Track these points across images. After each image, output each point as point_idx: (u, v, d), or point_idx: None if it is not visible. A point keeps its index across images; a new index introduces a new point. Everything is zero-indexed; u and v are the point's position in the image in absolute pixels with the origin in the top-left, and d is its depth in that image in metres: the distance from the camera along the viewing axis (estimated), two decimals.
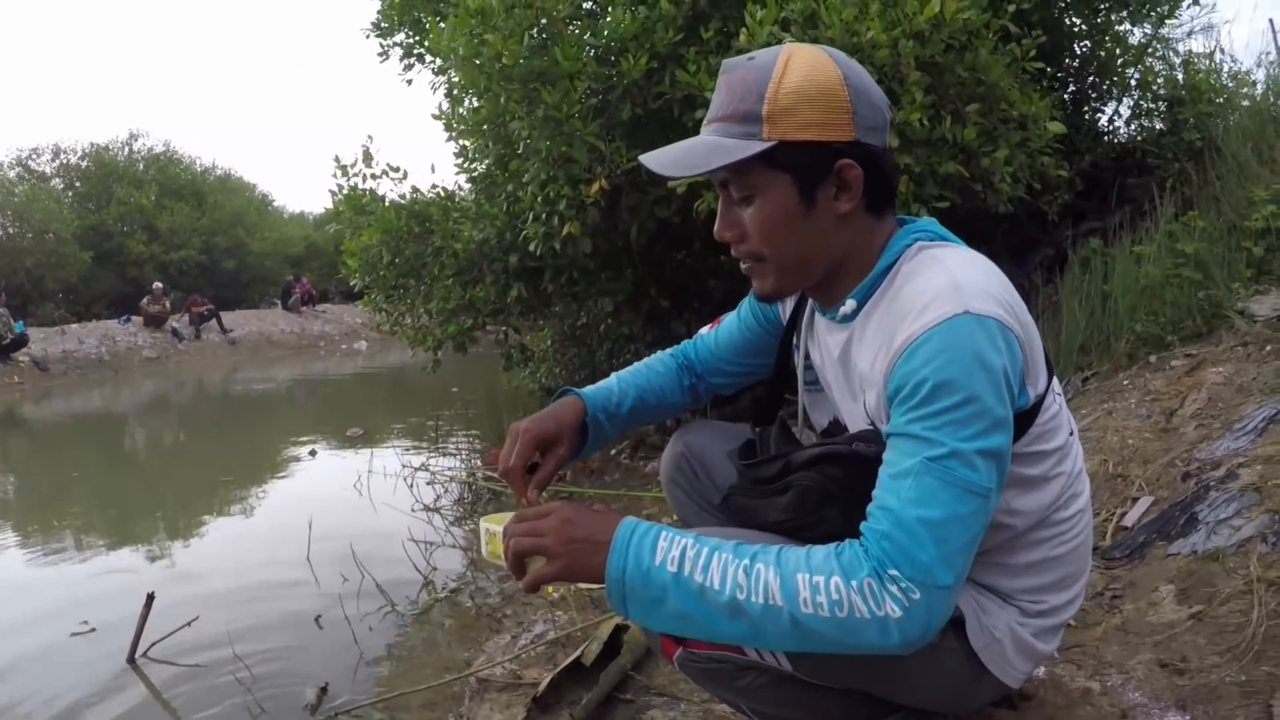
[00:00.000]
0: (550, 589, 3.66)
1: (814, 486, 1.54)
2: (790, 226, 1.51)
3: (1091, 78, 7.93)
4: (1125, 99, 8.16)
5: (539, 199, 5.52)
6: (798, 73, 1.45)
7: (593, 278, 6.58)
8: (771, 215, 1.51)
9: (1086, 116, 7.91)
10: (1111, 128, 8.24)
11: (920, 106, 4.58)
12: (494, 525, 1.61)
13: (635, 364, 2.13)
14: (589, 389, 2.01)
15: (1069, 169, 5.93)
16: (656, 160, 1.56)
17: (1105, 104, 8.18)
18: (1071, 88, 7.82)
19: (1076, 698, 2.09)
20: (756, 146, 1.45)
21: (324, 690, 3.42)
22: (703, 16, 5.29)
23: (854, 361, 1.60)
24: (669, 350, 2.15)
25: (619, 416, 2.00)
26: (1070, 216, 6.70)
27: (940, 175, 4.85)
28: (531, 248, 5.67)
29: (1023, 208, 5.66)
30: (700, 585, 1.35)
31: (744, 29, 4.64)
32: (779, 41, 4.61)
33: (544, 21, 5.47)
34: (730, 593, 1.33)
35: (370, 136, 7.05)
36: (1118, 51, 7.81)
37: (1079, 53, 7.81)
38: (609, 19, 5.39)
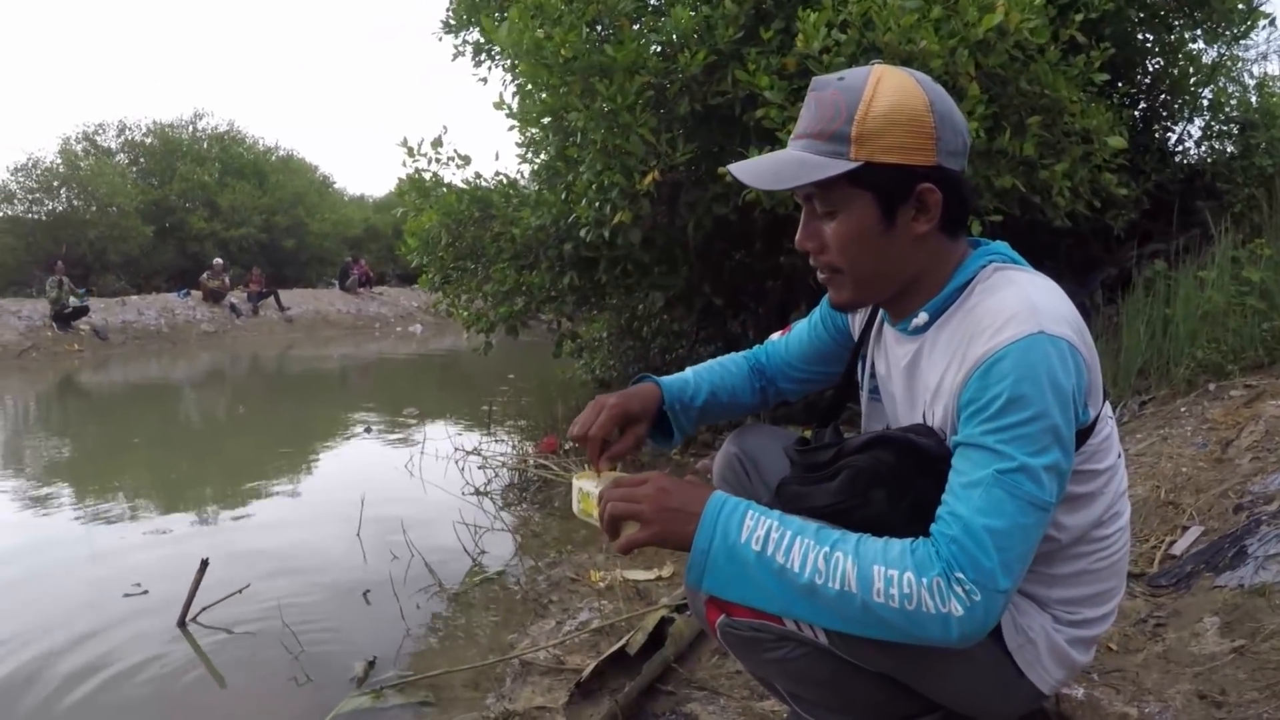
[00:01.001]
0: (596, 576, 3.73)
1: (864, 468, 1.59)
2: (869, 243, 1.57)
3: (1163, 95, 7.82)
4: (1196, 119, 8.05)
5: (593, 186, 5.57)
6: (886, 97, 1.50)
7: (645, 271, 6.61)
8: (852, 232, 1.57)
9: (1156, 135, 7.81)
10: (1181, 148, 8.12)
11: (980, 118, 4.57)
12: (587, 485, 1.72)
13: (709, 361, 2.19)
14: (665, 378, 2.08)
15: (1134, 187, 5.87)
16: (747, 172, 1.62)
17: (1175, 123, 8.07)
18: (1142, 105, 7.73)
19: None
20: (844, 165, 1.50)
21: (371, 664, 3.47)
22: (765, 16, 5.30)
23: (921, 372, 1.66)
24: (741, 353, 2.21)
25: (692, 409, 2.07)
26: (1135, 237, 6.64)
27: (996, 188, 4.83)
28: (583, 233, 5.72)
29: (1086, 225, 5.62)
30: (781, 566, 1.43)
31: (800, 33, 4.66)
32: (836, 45, 4.63)
33: (606, 19, 5.51)
34: (809, 577, 1.41)
35: (445, 127, 7.13)
36: (1190, 70, 7.70)
37: (1150, 70, 7.71)
38: (671, 15, 5.42)
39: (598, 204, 5.61)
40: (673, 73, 5.36)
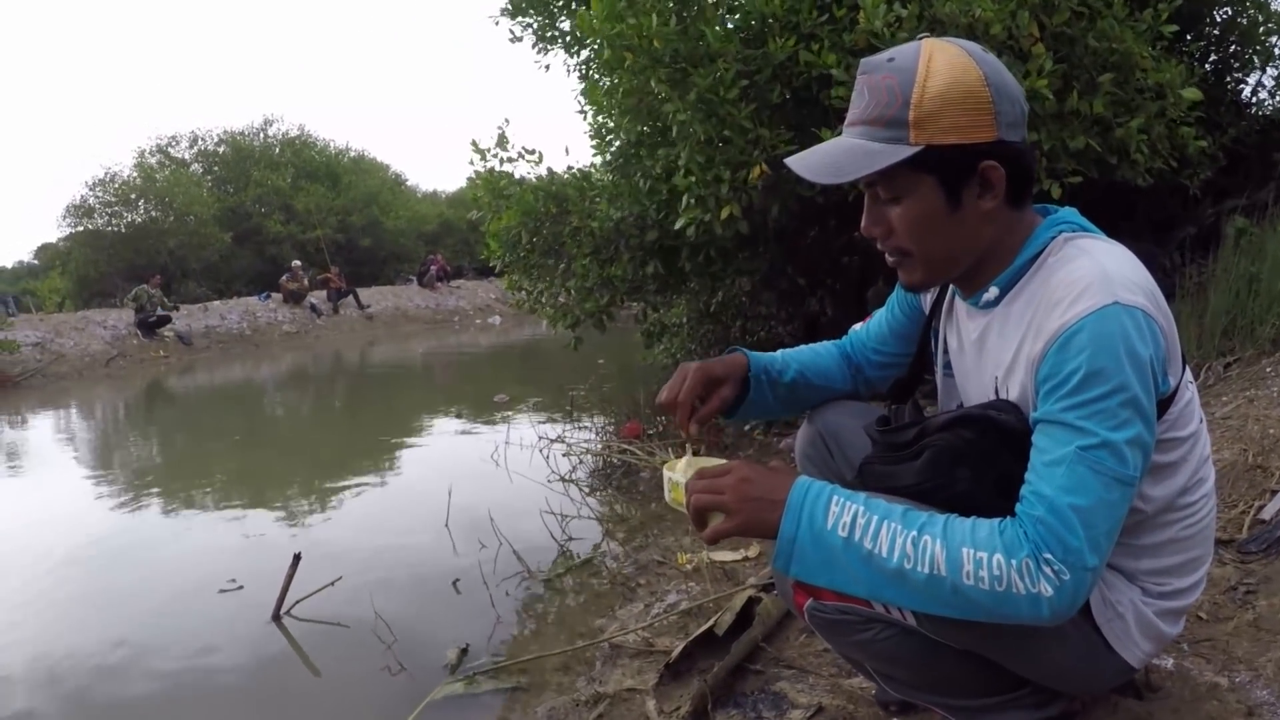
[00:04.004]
0: (683, 559, 3.76)
1: (947, 446, 1.60)
2: (936, 226, 1.56)
3: (1233, 46, 7.58)
4: (1269, 69, 7.81)
5: (695, 181, 5.54)
6: (941, 76, 1.48)
7: (730, 256, 6.59)
8: (918, 215, 1.56)
9: (1229, 88, 7.59)
10: (1255, 100, 7.89)
11: (1049, 74, 4.49)
12: (676, 475, 1.72)
13: (799, 346, 2.20)
14: (754, 352, 2.09)
15: (1210, 142, 5.73)
16: (806, 166, 1.60)
17: (1248, 75, 7.82)
18: (1213, 57, 7.51)
19: (1203, 692, 2.07)
20: (904, 152, 1.49)
21: (464, 651, 3.54)
22: None
23: (992, 347, 1.65)
24: (831, 341, 2.22)
25: (780, 384, 2.08)
26: (1212, 193, 6.49)
27: (1071, 149, 4.76)
28: (682, 227, 5.70)
29: (1163, 183, 5.51)
30: (869, 552, 1.44)
31: (862, 10, 4.63)
32: (897, 20, 4.58)
33: (693, 6, 5.49)
34: (898, 561, 1.42)
35: (506, 120, 7.16)
36: (1260, 19, 7.45)
37: (1219, 20, 7.49)
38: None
39: (699, 198, 5.59)
40: (760, 59, 5.34)
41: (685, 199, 5.54)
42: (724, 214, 5.40)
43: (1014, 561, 1.37)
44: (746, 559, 3.91)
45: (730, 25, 5.49)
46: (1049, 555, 1.36)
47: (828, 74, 4.89)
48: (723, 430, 6.36)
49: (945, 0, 4.45)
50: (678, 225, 5.67)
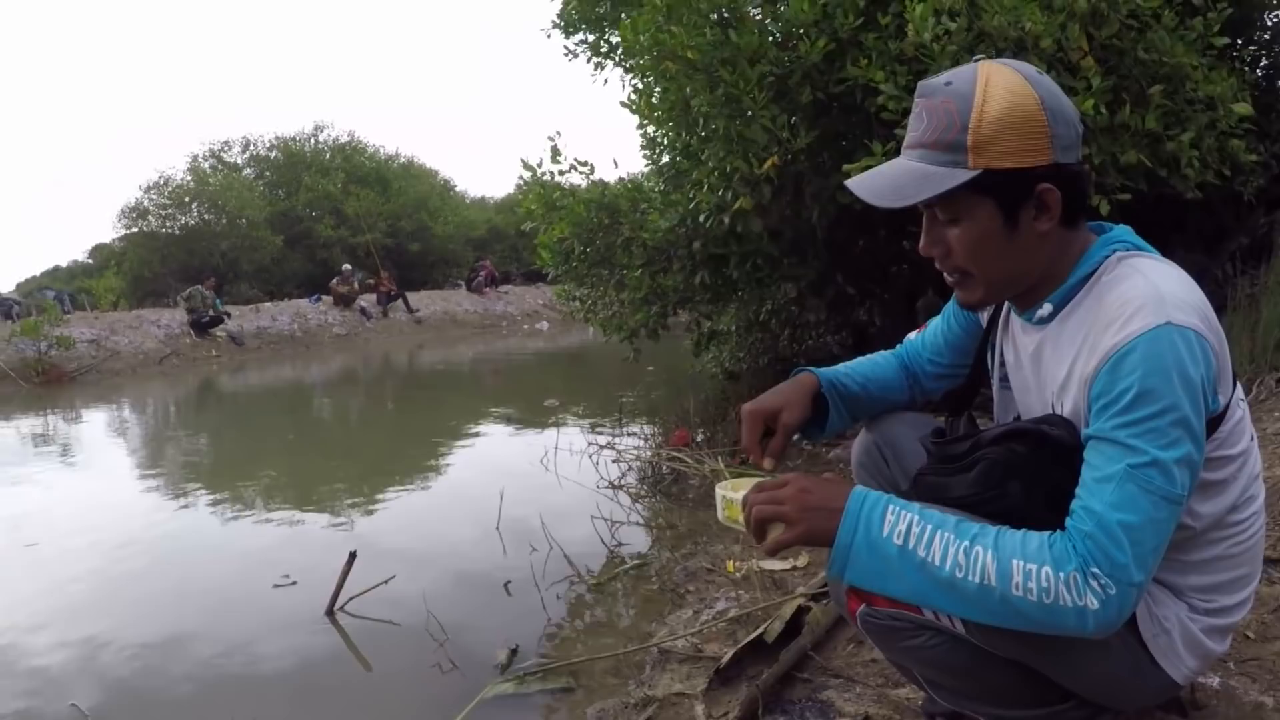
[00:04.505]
0: (732, 566, 3.79)
1: (999, 460, 1.62)
2: (994, 247, 1.59)
3: None
4: None
5: (715, 173, 5.60)
6: (998, 100, 1.51)
7: (777, 264, 6.62)
8: (977, 237, 1.59)
9: None
10: None
11: (1097, 93, 4.48)
12: (730, 492, 1.76)
13: (857, 358, 2.23)
14: (821, 370, 2.13)
15: (1262, 152, 5.66)
16: (866, 189, 1.64)
17: None
18: (1264, 63, 7.40)
19: (1248, 711, 2.08)
20: (963, 175, 1.53)
21: (515, 651, 3.59)
22: (882, 1, 5.27)
23: (1047, 363, 1.68)
24: (888, 351, 2.24)
25: (847, 396, 2.11)
26: (1264, 202, 6.40)
27: (1122, 164, 4.73)
28: (703, 220, 5.74)
29: (1214, 194, 5.45)
30: (922, 560, 1.48)
31: (910, 23, 4.64)
32: (945, 32, 4.58)
33: (728, 10, 5.53)
34: (949, 571, 1.46)
35: (558, 132, 7.22)
36: None
37: (1269, 24, 7.37)
38: (789, 5, 5.42)
39: (719, 191, 5.64)
40: (793, 62, 5.36)
41: (704, 190, 5.58)
42: (736, 206, 5.43)
43: (1062, 574, 1.40)
44: (795, 568, 3.94)
45: (770, 33, 5.53)
46: (1096, 569, 1.39)
47: (872, 83, 4.91)
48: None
49: (994, 13, 4.45)
50: (692, 207, 5.71)
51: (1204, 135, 4.95)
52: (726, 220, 5.62)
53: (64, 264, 47.24)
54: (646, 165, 7.53)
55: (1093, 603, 1.39)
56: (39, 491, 7.71)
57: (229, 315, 21.44)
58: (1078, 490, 1.47)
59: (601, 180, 7.25)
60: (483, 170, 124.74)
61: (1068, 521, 1.45)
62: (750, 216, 5.55)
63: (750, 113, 5.32)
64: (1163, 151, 4.87)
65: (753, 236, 5.87)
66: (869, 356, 2.23)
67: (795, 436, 2.08)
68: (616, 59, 8.55)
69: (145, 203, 32.19)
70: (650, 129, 6.89)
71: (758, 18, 5.74)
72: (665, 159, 6.94)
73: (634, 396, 10.38)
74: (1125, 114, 4.67)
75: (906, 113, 4.52)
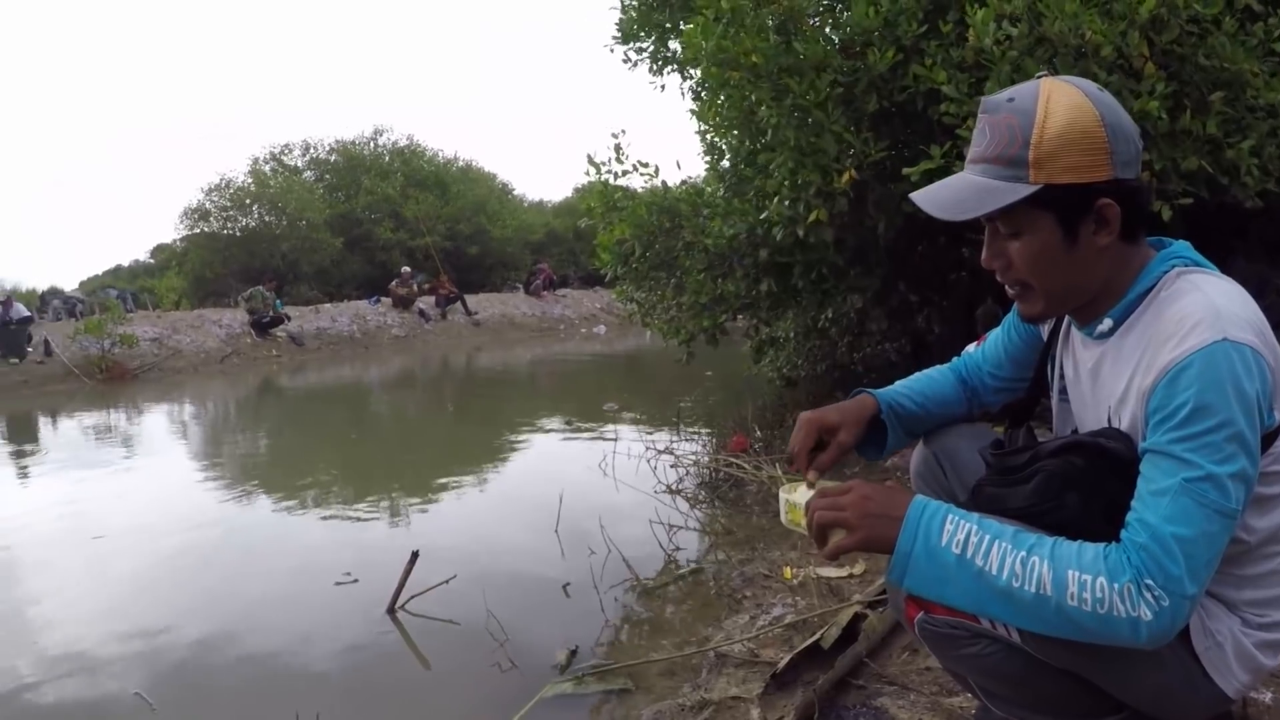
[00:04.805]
0: (789, 573, 3.81)
1: (1057, 472, 1.65)
2: (1054, 261, 1.62)
3: None
4: None
5: (785, 184, 5.59)
6: (1059, 117, 1.54)
7: (842, 273, 6.61)
8: (1037, 251, 1.62)
9: None
10: None
11: (1160, 96, 4.45)
12: (793, 496, 1.81)
13: (915, 374, 2.25)
14: (879, 390, 2.16)
15: None
16: (930, 202, 1.68)
17: None
18: None
19: None
20: (1024, 190, 1.55)
21: (573, 652, 3.64)
22: (944, 8, 5.27)
23: (1105, 377, 1.70)
24: (945, 364, 2.27)
25: (905, 417, 2.14)
26: None
27: (1183, 170, 4.69)
28: (774, 232, 5.75)
29: (1276, 202, 5.37)
30: (980, 569, 1.51)
31: (971, 28, 4.63)
32: (1007, 38, 4.57)
33: (785, 18, 5.54)
34: (1006, 580, 1.49)
35: (622, 130, 7.26)
36: None
37: None
38: (851, 12, 5.43)
39: (789, 202, 5.65)
40: (859, 70, 5.37)
41: (775, 201, 5.59)
42: (811, 218, 5.44)
43: (1116, 585, 1.42)
44: (852, 576, 3.95)
45: (834, 40, 5.53)
46: (1150, 581, 1.41)
47: (935, 89, 4.91)
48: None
49: (1055, 19, 4.43)
50: (764, 217, 5.71)
51: (1265, 143, 4.88)
52: (801, 232, 5.61)
53: (126, 263, 48.15)
54: (706, 168, 7.56)
55: (1146, 614, 1.41)
56: (103, 486, 7.90)
57: (289, 317, 21.74)
58: (1133, 503, 1.49)
59: (663, 183, 7.30)
60: (541, 173, 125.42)
61: (1123, 534, 1.47)
62: (824, 228, 5.55)
63: (820, 124, 5.32)
64: (1223, 159, 4.81)
65: (819, 245, 5.87)
66: (926, 372, 2.25)
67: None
68: (675, 66, 8.60)
69: (207, 204, 32.74)
70: (712, 136, 6.91)
71: (816, 25, 5.75)
72: (726, 163, 6.95)
73: (692, 401, 10.40)
74: (1186, 120, 4.62)
75: (969, 116, 4.55)
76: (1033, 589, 1.47)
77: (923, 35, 5.16)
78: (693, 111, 6.67)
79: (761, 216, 6.10)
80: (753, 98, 5.65)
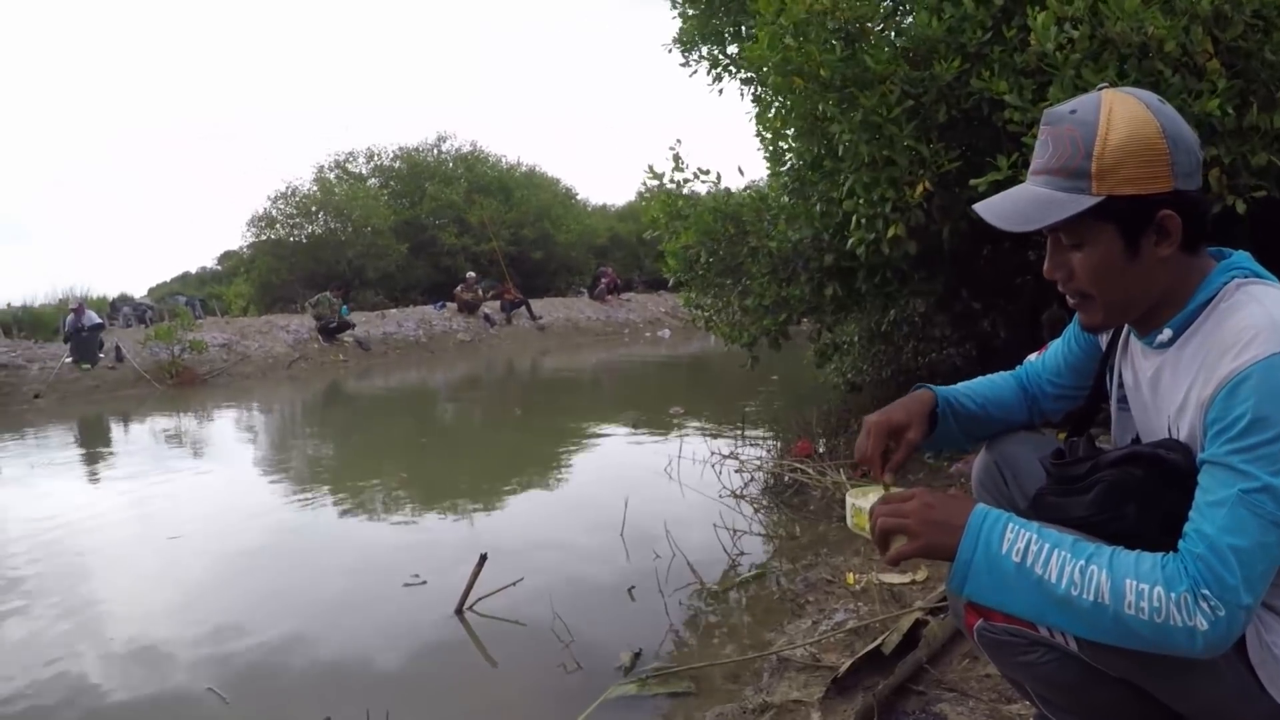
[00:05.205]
0: (852, 578, 3.83)
1: (1116, 482, 1.66)
2: (1116, 271, 1.64)
3: None
4: None
5: (861, 202, 5.59)
6: (1120, 129, 1.56)
7: (906, 278, 6.60)
8: (1099, 262, 1.64)
9: None
10: None
11: (1222, 94, 4.40)
12: (859, 500, 1.83)
13: (977, 378, 2.28)
14: (939, 387, 2.18)
15: None
16: (993, 213, 1.71)
17: None
18: None
19: None
20: (1087, 201, 1.58)
21: (637, 655, 3.70)
22: (1008, 13, 5.24)
23: (1165, 387, 1.71)
24: (1007, 372, 2.29)
25: (963, 415, 2.17)
26: None
27: (1253, 166, 4.63)
28: (854, 248, 5.75)
29: None
30: (1039, 578, 1.53)
31: (1032, 32, 4.61)
32: (1069, 41, 4.55)
33: (849, 26, 5.54)
34: (1065, 589, 1.51)
35: (679, 140, 7.30)
36: None
37: None
38: (913, 20, 5.42)
39: (867, 220, 5.65)
40: (926, 80, 5.36)
41: (854, 220, 5.59)
42: (890, 233, 5.44)
43: (1173, 595, 1.43)
44: (914, 582, 3.96)
45: (897, 47, 5.53)
46: (1206, 591, 1.42)
47: (997, 95, 4.89)
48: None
49: (1116, 19, 4.40)
50: (848, 245, 5.71)
51: None
52: (886, 250, 5.61)
53: (193, 270, 48.76)
54: (768, 171, 7.58)
55: (1202, 623, 1.42)
56: (175, 487, 8.08)
57: (353, 324, 22.00)
58: (1191, 513, 1.50)
59: (726, 189, 7.33)
60: (603, 178, 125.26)
61: (1180, 543, 1.48)
62: (905, 241, 5.54)
63: (892, 137, 5.32)
64: None
65: (899, 256, 5.85)
66: (988, 377, 2.27)
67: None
68: (733, 71, 8.63)
69: (273, 212, 33.09)
70: (775, 142, 6.92)
71: (881, 31, 5.75)
72: (787, 163, 6.96)
73: (756, 406, 10.40)
74: (1253, 115, 4.57)
75: (1033, 124, 4.53)
76: (1091, 598, 1.48)
77: (987, 42, 5.14)
78: (753, 119, 6.68)
79: (836, 235, 6.09)
80: (820, 108, 5.65)
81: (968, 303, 7.13)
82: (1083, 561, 1.51)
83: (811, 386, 10.37)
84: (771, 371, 11.58)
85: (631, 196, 43.55)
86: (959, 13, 5.20)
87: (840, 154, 5.68)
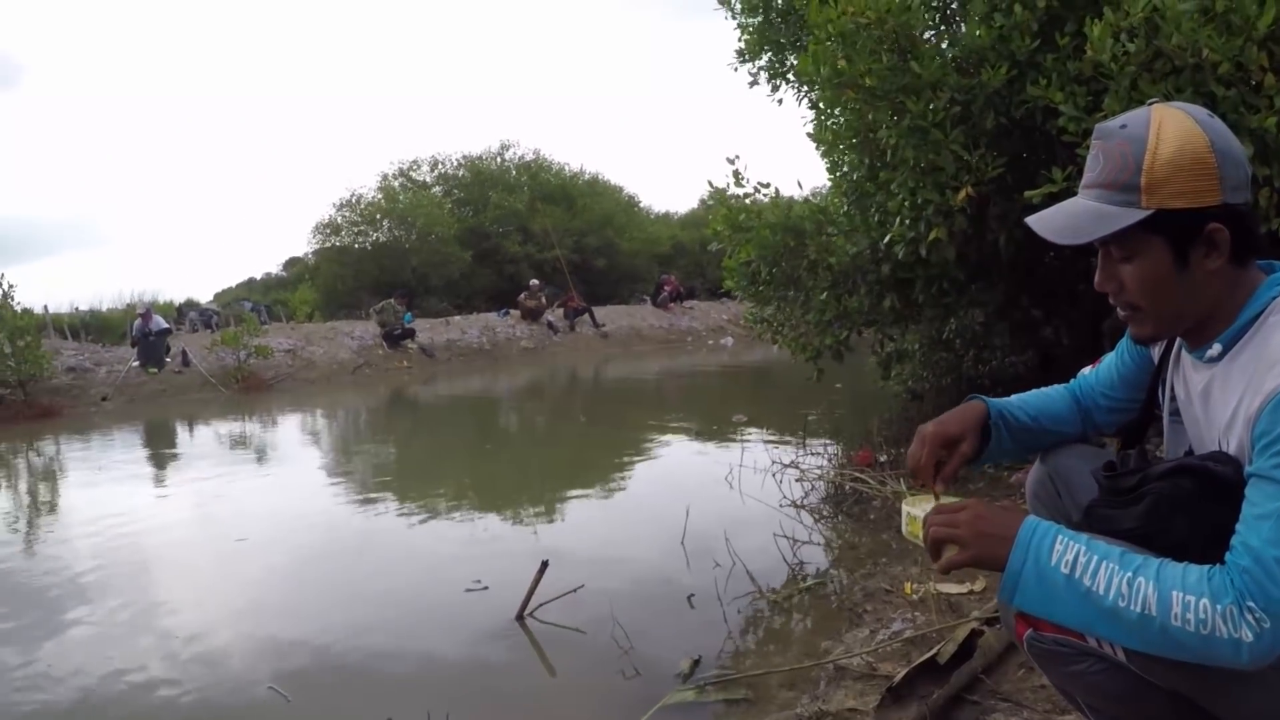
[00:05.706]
0: (909, 588, 3.85)
1: (1166, 494, 1.68)
2: (1165, 284, 1.66)
3: None
4: None
5: (906, 204, 5.63)
6: (1170, 143, 1.59)
7: (963, 288, 6.59)
8: (1149, 274, 1.66)
9: None
10: None
11: (1278, 110, 4.36)
12: (914, 509, 1.87)
13: (1032, 390, 2.29)
14: (992, 399, 2.20)
15: None
16: (1046, 226, 1.73)
17: None
18: None
19: None
20: (1137, 215, 1.61)
21: (696, 662, 3.75)
22: (1059, 20, 5.24)
23: (1215, 401, 1.73)
24: (1061, 385, 2.30)
25: (1016, 427, 2.18)
26: None
27: None
28: (896, 250, 5.78)
29: None
30: (1087, 589, 1.55)
31: (1089, 43, 4.60)
32: (1125, 52, 4.53)
33: (898, 36, 5.55)
34: (1113, 601, 1.53)
35: (737, 155, 7.34)
36: None
37: None
38: (965, 29, 5.42)
39: (910, 221, 5.68)
40: (976, 88, 5.39)
41: (896, 220, 5.60)
42: (931, 236, 5.45)
43: (1219, 607, 1.44)
44: (971, 592, 3.96)
45: (948, 57, 5.54)
46: (1252, 604, 1.43)
47: (1051, 104, 4.89)
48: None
49: (1172, 33, 4.38)
50: (886, 239, 5.72)
51: None
52: (924, 251, 5.63)
53: (259, 276, 49.54)
54: (829, 181, 7.60)
55: (1247, 635, 1.43)
56: (241, 490, 8.31)
57: (414, 331, 22.24)
58: (1238, 526, 1.52)
59: (787, 200, 7.36)
60: (666, 185, 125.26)
61: (1227, 556, 1.50)
62: (946, 246, 5.56)
63: (939, 142, 5.35)
64: None
65: (941, 262, 5.87)
66: (1042, 389, 2.29)
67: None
68: (791, 81, 8.66)
69: (338, 219, 33.76)
70: (832, 155, 6.95)
71: (931, 42, 5.76)
72: (843, 171, 6.98)
73: (818, 414, 10.38)
74: None
75: (1087, 133, 4.52)
76: (1138, 609, 1.50)
77: (1037, 50, 5.15)
78: (813, 135, 6.71)
79: (885, 237, 6.13)
80: (870, 117, 5.68)
81: (1027, 311, 7.08)
82: (1130, 573, 1.52)
83: (874, 395, 10.35)
84: (835, 380, 11.55)
85: (694, 204, 43.66)
86: (1009, 21, 5.21)
87: (890, 160, 5.71)
